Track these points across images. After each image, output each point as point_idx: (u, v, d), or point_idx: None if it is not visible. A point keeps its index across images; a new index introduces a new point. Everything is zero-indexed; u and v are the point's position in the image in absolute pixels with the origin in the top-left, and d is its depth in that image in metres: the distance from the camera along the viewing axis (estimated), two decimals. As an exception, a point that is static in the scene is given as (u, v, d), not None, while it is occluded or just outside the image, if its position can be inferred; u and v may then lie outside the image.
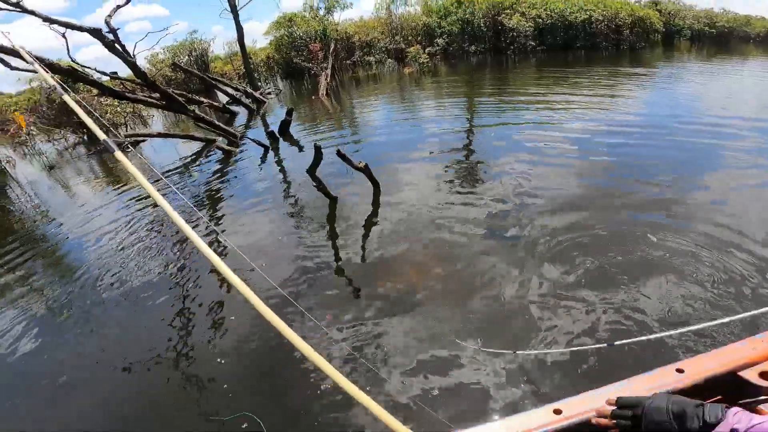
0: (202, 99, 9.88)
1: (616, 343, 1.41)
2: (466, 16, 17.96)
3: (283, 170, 5.16)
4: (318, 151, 3.39)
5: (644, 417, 0.83)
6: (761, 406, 0.96)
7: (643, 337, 1.41)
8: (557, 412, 0.94)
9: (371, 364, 1.91)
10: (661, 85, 8.72)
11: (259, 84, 15.31)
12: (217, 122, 6.94)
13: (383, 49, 18.16)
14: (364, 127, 7.03)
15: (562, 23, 17.37)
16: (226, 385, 1.92)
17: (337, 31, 17.80)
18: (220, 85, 11.20)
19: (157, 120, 12.21)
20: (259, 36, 40.91)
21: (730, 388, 1.03)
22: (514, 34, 17.38)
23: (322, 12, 18.28)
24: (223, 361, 2.06)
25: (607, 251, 2.53)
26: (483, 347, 1.86)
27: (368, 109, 8.71)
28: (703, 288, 2.13)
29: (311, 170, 3.48)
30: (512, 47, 17.46)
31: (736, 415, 0.74)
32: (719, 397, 1.01)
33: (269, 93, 12.88)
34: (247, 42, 17.75)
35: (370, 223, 3.33)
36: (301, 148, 5.95)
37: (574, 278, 2.31)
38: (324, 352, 2.03)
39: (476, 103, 8.06)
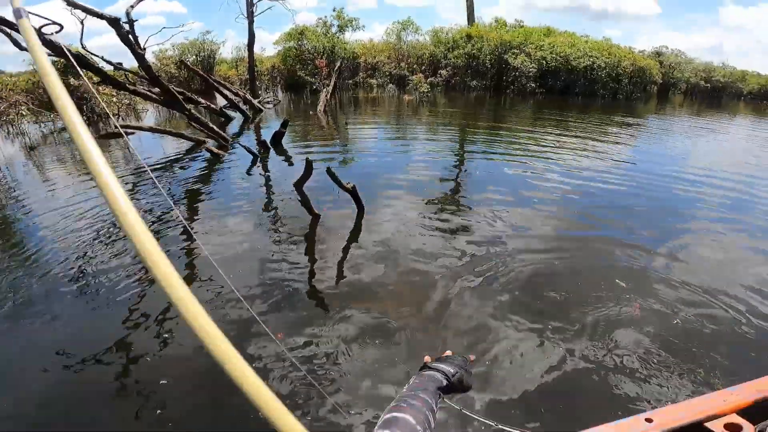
0: (200, 99, 9.89)
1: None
2: (474, 51, 18.45)
3: (269, 180, 5.13)
4: (309, 166, 3.39)
5: None
6: None
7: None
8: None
9: (316, 382, 1.86)
10: (651, 138, 9.10)
11: (260, 92, 15.44)
12: (210, 124, 6.92)
13: (387, 73, 18.53)
14: (355, 148, 7.08)
15: (564, 67, 17.95)
16: (165, 394, 1.82)
17: (345, 50, 18.15)
18: (222, 88, 11.22)
19: (150, 115, 12.14)
20: (267, 44, 41.49)
21: None
22: (517, 73, 17.89)
23: (334, 29, 18.68)
24: (167, 373, 1.97)
25: (579, 294, 2.54)
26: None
27: (363, 130, 8.80)
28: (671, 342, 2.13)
29: (298, 184, 3.47)
30: (512, 86, 17.96)
31: None
32: None
33: (268, 102, 12.95)
34: (256, 50, 18.04)
35: (348, 245, 3.30)
36: (290, 161, 5.94)
37: (540, 320, 2.30)
38: (269, 363, 1.97)
39: (469, 138, 8.22)
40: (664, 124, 11.54)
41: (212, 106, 10.11)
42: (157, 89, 7.28)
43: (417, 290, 2.64)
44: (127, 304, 2.51)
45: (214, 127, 6.86)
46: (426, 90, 14.78)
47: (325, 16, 18.93)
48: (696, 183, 5.21)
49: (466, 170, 5.75)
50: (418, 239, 3.35)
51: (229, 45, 34.28)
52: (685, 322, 2.35)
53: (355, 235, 3.46)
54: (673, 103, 19.52)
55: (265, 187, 4.85)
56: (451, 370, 0.87)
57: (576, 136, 8.26)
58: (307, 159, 3.42)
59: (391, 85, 17.87)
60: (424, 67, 18.98)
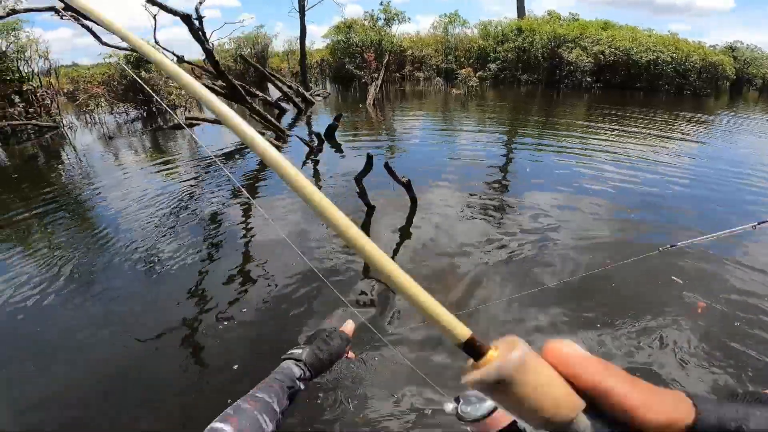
0: (257, 93, 10.41)
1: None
2: (525, 44, 17.88)
3: (324, 172, 5.38)
4: (370, 161, 3.56)
5: None
6: None
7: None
8: None
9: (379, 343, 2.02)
10: (719, 134, 8.56)
11: (310, 85, 15.91)
12: (269, 117, 7.31)
13: (434, 66, 18.41)
14: (404, 142, 7.20)
15: (625, 62, 16.96)
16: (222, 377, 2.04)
17: (392, 43, 18.22)
18: (277, 81, 11.71)
19: (211, 106, 12.89)
20: (316, 38, 42.27)
21: None
22: (572, 68, 17.13)
23: (381, 23, 18.78)
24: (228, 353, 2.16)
25: (623, 298, 2.53)
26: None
27: (411, 124, 8.90)
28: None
29: (359, 178, 3.63)
30: (566, 81, 17.23)
31: None
32: None
33: (318, 95, 13.35)
34: (306, 43, 18.56)
35: (403, 235, 3.47)
36: (343, 153, 6.18)
37: (588, 320, 2.34)
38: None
39: (519, 131, 8.09)
40: (737, 121, 10.68)
41: (267, 98, 10.62)
42: (221, 83, 7.77)
43: (460, 279, 2.75)
44: (189, 285, 2.79)
45: (273, 120, 7.24)
46: (475, 84, 14.54)
47: (372, 10, 19.09)
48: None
49: (514, 164, 5.74)
50: (465, 230, 3.46)
51: (281, 38, 35.41)
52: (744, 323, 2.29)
53: (407, 226, 3.62)
54: (747, 100, 17.87)
55: (321, 178, 5.10)
56: (299, 352, 0.81)
57: (635, 131, 7.89)
58: (368, 154, 3.58)
59: (438, 78, 17.76)
60: (472, 61, 18.67)
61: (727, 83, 19.23)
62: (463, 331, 0.27)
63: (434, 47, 19.22)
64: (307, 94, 11.66)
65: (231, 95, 7.30)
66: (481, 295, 2.61)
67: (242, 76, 17.31)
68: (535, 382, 0.26)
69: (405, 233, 3.50)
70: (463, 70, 15.60)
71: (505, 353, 0.26)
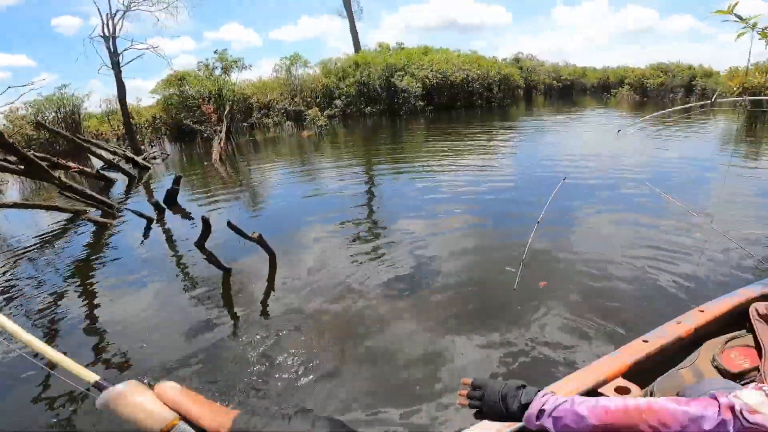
0: (69, 164, 8.74)
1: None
2: (363, 78, 19.25)
3: (171, 243, 4.78)
4: (206, 223, 3.31)
5: (484, 398, 0.94)
6: None
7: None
8: None
9: None
10: (527, 137, 10.86)
11: (143, 147, 14.15)
12: (88, 191, 6.16)
13: (282, 111, 18.36)
14: (262, 193, 6.96)
15: (445, 84, 19.65)
16: None
17: (234, 91, 17.56)
18: (94, 148, 10.07)
19: (13, 185, 10.40)
20: (144, 94, 38.37)
21: None
22: (405, 94, 19.06)
23: (218, 72, 17.98)
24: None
25: (500, 301, 2.80)
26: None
27: (267, 174, 8.65)
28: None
29: (199, 243, 3.32)
30: (404, 108, 19.09)
31: (544, 397, 0.86)
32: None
33: (155, 158, 11.96)
34: (131, 100, 16.57)
35: (268, 292, 3.27)
36: (191, 219, 5.56)
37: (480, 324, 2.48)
38: None
39: (374, 163, 8.59)
40: (536, 123, 13.59)
41: (86, 169, 9.00)
42: (13, 157, 6.26)
43: (342, 329, 2.69)
44: None
45: (93, 194, 6.12)
46: (324, 123, 14.92)
47: (206, 59, 18.18)
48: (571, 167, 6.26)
49: (376, 194, 6.12)
50: (342, 270, 3.45)
51: (96, 97, 30.98)
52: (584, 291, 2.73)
53: (271, 282, 3.43)
54: (537, 104, 22.74)
55: (168, 251, 4.53)
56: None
57: (466, 146, 9.28)
58: (202, 217, 3.35)
59: (288, 122, 17.71)
60: (318, 100, 19.22)
61: (521, 92, 24.10)
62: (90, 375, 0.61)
63: (279, 91, 19.17)
64: (138, 159, 10.31)
65: (29, 171, 5.94)
66: (366, 327, 2.54)
67: (51, 145, 14.47)
68: (131, 404, 0.52)
69: (269, 290, 3.31)
70: (310, 111, 15.97)
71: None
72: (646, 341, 1.31)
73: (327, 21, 56.08)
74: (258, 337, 2.62)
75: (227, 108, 13.10)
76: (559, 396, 0.85)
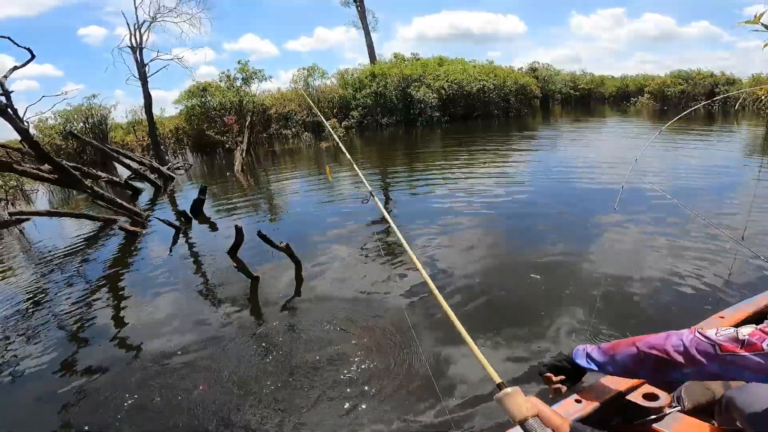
0: (99, 173, 9.09)
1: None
2: (380, 88, 19.46)
3: (197, 252, 4.93)
4: (239, 232, 3.43)
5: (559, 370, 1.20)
6: (654, 425, 1.12)
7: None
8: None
9: None
10: (545, 148, 10.84)
11: (167, 158, 14.58)
12: (118, 200, 6.39)
13: (300, 121, 18.63)
14: (282, 204, 7.10)
15: (461, 94, 19.71)
16: None
17: (254, 102, 17.91)
18: (122, 158, 10.44)
19: (42, 195, 10.85)
20: (167, 104, 39.41)
21: (624, 410, 1.18)
22: (422, 105, 19.18)
23: (239, 83, 18.26)
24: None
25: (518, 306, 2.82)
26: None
27: (286, 185, 8.83)
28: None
29: (232, 252, 3.44)
30: (420, 118, 19.20)
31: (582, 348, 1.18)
32: (617, 421, 1.19)
33: (178, 168, 12.31)
34: (154, 111, 17.10)
35: (293, 300, 3.34)
36: (216, 229, 5.72)
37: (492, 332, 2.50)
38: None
39: (390, 175, 8.67)
40: (553, 132, 13.54)
41: (115, 179, 9.35)
42: (47, 166, 6.55)
43: (366, 336, 2.72)
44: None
45: (123, 203, 6.34)
46: (341, 134, 15.06)
47: (228, 70, 18.57)
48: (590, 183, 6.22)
49: (393, 206, 6.14)
50: (360, 281, 3.50)
51: (122, 108, 32.16)
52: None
53: (298, 290, 3.50)
54: (554, 113, 22.59)
55: (194, 260, 4.66)
56: None
57: (484, 156, 9.34)
58: (236, 226, 3.48)
59: (306, 133, 17.95)
60: (335, 111, 19.47)
61: (537, 101, 23.95)
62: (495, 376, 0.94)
63: (297, 102, 19.47)
64: (163, 169, 10.62)
65: (62, 180, 6.19)
66: (385, 354, 2.57)
67: (78, 155, 15.06)
68: (511, 400, 0.90)
69: (294, 299, 3.39)
70: (328, 122, 16.19)
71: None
72: None
73: (342, 32, 57.13)
74: (286, 344, 2.68)
75: (248, 119, 13.37)
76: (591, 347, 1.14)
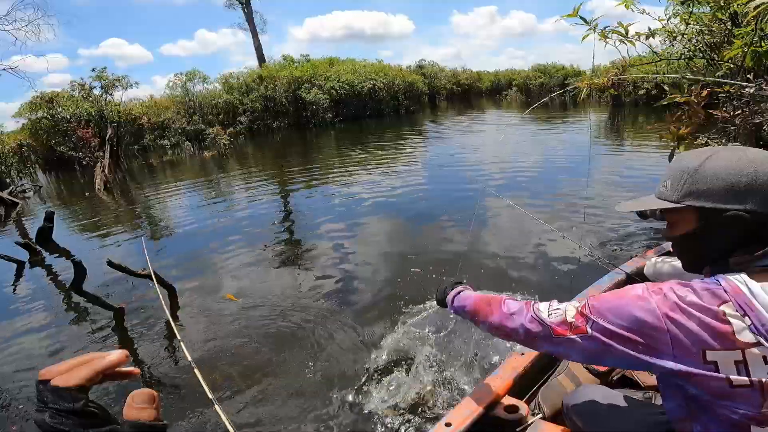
0: None
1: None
2: (268, 92, 18.60)
3: (50, 285, 4.19)
4: (77, 266, 2.96)
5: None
6: None
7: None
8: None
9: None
10: (434, 141, 11.67)
11: (8, 180, 11.99)
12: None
13: (179, 130, 16.87)
14: (166, 221, 6.34)
15: (352, 94, 19.83)
16: None
17: (119, 112, 15.69)
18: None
19: None
20: (5, 118, 32.70)
21: (493, 426, 1.15)
22: (314, 107, 18.85)
23: (97, 91, 15.85)
24: None
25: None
26: None
27: (168, 200, 7.87)
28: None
29: (75, 287, 2.95)
30: (313, 121, 18.87)
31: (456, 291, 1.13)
32: None
33: (25, 191, 10.25)
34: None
35: (170, 328, 2.95)
36: (72, 257, 4.82)
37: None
38: None
39: (287, 179, 8.33)
40: (442, 127, 14.54)
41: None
42: None
43: (256, 354, 2.60)
44: None
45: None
46: (226, 142, 13.69)
47: (82, 78, 15.95)
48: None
49: (293, 210, 6.01)
50: (265, 289, 3.36)
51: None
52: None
53: (175, 315, 3.15)
54: (441, 109, 24.22)
55: (46, 294, 3.93)
56: None
57: (378, 153, 9.61)
58: (73, 260, 3.00)
59: (187, 142, 16.23)
60: (221, 117, 18.09)
61: (426, 98, 25.31)
62: None
63: (175, 109, 17.60)
64: (4, 194, 8.70)
65: None
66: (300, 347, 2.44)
67: None
68: None
69: (172, 326, 2.95)
70: (211, 130, 14.95)
71: None
72: (522, 354, 1.36)
73: (228, 35, 53.74)
74: (169, 373, 2.37)
75: (109, 132, 11.53)
76: (466, 293, 1.08)
